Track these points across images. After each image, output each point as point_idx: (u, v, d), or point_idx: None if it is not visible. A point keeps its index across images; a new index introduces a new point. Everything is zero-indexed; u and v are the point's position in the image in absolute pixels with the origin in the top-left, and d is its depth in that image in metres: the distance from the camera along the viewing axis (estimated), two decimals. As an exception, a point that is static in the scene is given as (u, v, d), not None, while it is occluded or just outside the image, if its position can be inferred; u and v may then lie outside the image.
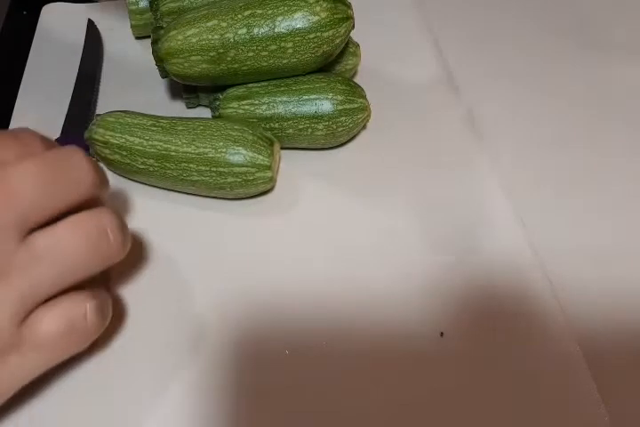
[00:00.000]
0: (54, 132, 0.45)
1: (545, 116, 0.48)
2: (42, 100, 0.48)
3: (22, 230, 0.27)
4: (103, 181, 0.30)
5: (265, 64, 0.41)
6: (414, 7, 0.56)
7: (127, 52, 0.52)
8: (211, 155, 0.39)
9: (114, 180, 0.43)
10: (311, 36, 0.40)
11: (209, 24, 0.40)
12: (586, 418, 0.34)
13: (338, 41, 0.41)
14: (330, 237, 0.41)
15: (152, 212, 0.42)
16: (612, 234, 0.42)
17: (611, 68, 0.51)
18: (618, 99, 0.49)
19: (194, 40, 0.40)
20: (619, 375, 0.36)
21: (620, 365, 0.36)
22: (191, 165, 0.39)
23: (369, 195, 0.43)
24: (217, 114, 0.43)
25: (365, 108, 0.43)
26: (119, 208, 0.42)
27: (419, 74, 0.51)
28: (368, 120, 0.45)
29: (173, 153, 0.39)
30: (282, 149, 0.44)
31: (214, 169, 0.39)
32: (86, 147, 0.42)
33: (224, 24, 0.40)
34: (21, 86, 0.49)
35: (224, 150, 0.39)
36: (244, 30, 0.40)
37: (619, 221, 0.42)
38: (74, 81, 0.48)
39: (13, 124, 0.46)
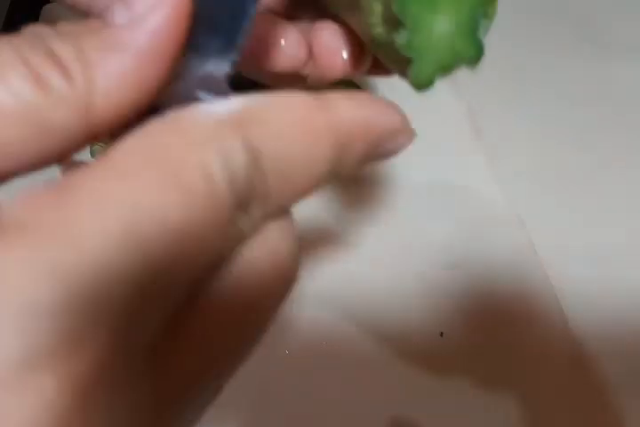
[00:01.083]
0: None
1: (545, 116, 0.48)
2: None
3: None
4: None
5: None
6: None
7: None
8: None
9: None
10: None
11: None
12: (587, 417, 0.34)
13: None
14: (330, 237, 0.41)
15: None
16: (612, 234, 0.41)
17: (612, 67, 0.51)
18: (619, 98, 0.49)
19: None
20: (620, 375, 0.36)
21: (621, 364, 0.36)
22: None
23: (368, 194, 0.43)
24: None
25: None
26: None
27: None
28: (368, 120, 0.45)
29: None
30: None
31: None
32: None
33: None
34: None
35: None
36: None
37: (619, 220, 0.42)
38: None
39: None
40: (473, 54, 0.15)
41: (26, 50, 0.13)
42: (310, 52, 0.24)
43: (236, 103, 0.14)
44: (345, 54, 0.23)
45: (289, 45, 0.23)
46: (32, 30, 0.14)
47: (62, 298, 0.11)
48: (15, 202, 0.12)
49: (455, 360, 0.36)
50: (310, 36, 0.24)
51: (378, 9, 0.15)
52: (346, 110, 0.14)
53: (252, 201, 0.13)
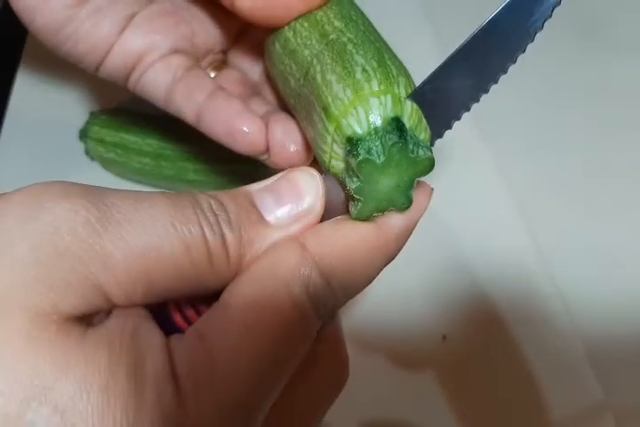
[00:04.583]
0: (51, 128, 0.44)
1: (548, 116, 0.48)
2: (38, 97, 0.47)
3: None
4: None
5: None
6: (417, 8, 0.56)
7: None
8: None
9: (108, 180, 0.42)
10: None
11: None
12: (589, 417, 0.35)
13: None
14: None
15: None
16: (615, 234, 0.41)
17: (613, 67, 0.51)
18: (620, 98, 0.49)
19: None
20: (622, 375, 0.36)
21: (624, 364, 0.36)
22: (188, 164, 0.39)
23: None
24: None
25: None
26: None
27: (417, 75, 0.50)
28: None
29: (170, 151, 0.39)
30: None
31: (211, 168, 0.39)
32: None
33: None
34: (16, 83, 0.48)
35: (222, 149, 0.39)
36: None
37: (622, 220, 0.42)
38: (70, 77, 0.48)
39: (7, 122, 0.45)
40: (404, 205, 0.21)
41: (208, 232, 0.18)
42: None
43: (313, 235, 0.20)
44: (293, 147, 0.27)
45: (251, 133, 0.27)
46: (210, 209, 0.18)
47: None
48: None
49: (458, 363, 0.36)
50: (267, 126, 0.27)
51: (334, 150, 0.20)
52: (394, 224, 0.21)
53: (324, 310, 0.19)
